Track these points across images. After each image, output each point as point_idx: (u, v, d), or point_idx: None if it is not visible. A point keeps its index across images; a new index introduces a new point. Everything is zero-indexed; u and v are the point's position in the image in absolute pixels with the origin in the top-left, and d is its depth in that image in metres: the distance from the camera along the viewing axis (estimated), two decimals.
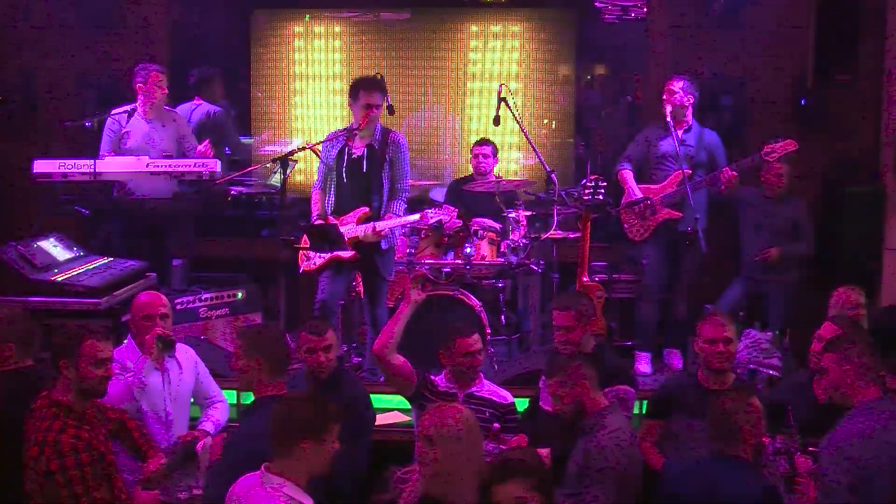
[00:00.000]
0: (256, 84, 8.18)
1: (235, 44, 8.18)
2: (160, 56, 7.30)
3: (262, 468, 3.32)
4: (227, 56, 8.09)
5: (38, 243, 5.77)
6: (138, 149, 6.38)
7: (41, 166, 6.22)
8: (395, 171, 6.00)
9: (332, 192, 6.05)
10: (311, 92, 8.11)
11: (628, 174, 6.56)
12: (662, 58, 7.31)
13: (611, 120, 8.59)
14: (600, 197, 5.93)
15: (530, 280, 6.80)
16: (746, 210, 6.65)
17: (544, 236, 6.42)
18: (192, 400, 4.74)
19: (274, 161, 6.24)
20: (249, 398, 4.05)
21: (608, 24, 7.59)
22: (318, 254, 5.95)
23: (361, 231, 5.88)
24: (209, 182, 6.27)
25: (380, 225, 5.88)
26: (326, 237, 5.85)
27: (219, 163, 6.28)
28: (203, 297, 6.47)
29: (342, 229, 5.85)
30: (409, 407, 4.83)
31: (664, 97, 6.46)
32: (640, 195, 6.44)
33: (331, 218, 6.00)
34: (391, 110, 6.25)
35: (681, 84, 6.44)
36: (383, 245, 5.96)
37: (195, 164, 6.28)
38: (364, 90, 5.88)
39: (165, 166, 6.23)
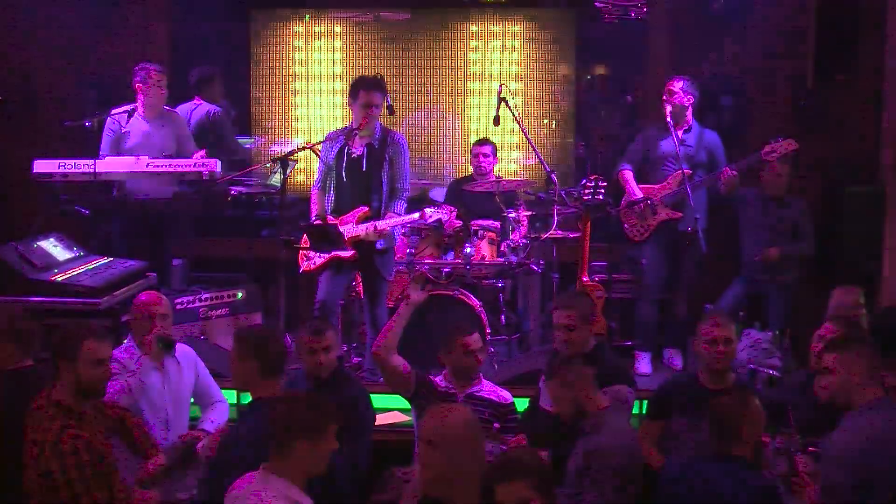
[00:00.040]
0: (256, 84, 8.17)
1: (235, 44, 8.17)
2: (160, 56, 7.31)
3: (261, 468, 3.32)
4: (226, 56, 8.08)
5: (38, 243, 5.78)
6: (138, 149, 6.39)
7: (41, 166, 6.22)
8: (395, 170, 6.00)
9: (331, 192, 6.05)
10: (311, 92, 8.11)
11: (628, 174, 6.56)
12: (662, 58, 7.31)
13: (611, 120, 8.58)
14: (600, 197, 5.94)
15: (530, 280, 6.81)
16: (746, 210, 6.65)
17: (544, 236, 6.41)
18: (192, 400, 4.75)
19: (274, 161, 6.23)
20: (248, 398, 4.05)
21: (608, 24, 7.57)
22: (317, 254, 5.96)
23: (363, 230, 5.88)
24: (209, 182, 6.28)
25: (381, 224, 5.88)
26: (326, 237, 5.85)
27: (219, 163, 6.29)
28: (203, 297, 6.46)
29: (342, 229, 5.86)
30: (409, 407, 4.82)
31: (664, 97, 6.46)
32: (640, 195, 6.44)
33: (330, 218, 6.00)
34: (391, 110, 6.25)
35: (681, 84, 6.44)
36: (379, 245, 5.95)
37: (195, 164, 6.28)
38: (364, 89, 5.88)
39: (165, 166, 6.24)
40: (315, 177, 6.23)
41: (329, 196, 6.06)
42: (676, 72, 6.76)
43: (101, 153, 6.38)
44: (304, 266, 6.06)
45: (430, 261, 6.49)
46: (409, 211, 6.06)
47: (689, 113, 6.49)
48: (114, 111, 6.51)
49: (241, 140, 7.90)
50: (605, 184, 5.98)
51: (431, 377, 4.70)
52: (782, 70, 7.18)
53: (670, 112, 6.39)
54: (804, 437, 4.00)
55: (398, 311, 4.58)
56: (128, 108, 6.50)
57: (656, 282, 6.56)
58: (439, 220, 6.05)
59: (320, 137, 6.54)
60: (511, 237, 6.38)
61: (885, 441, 3.54)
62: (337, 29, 8.08)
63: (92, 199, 6.24)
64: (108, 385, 4.02)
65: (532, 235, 6.48)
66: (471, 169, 7.15)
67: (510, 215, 6.43)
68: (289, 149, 6.92)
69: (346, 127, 6.15)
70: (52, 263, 5.67)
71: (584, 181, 6.08)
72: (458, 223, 6.41)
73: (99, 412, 3.99)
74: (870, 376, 3.70)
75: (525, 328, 6.85)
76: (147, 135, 6.47)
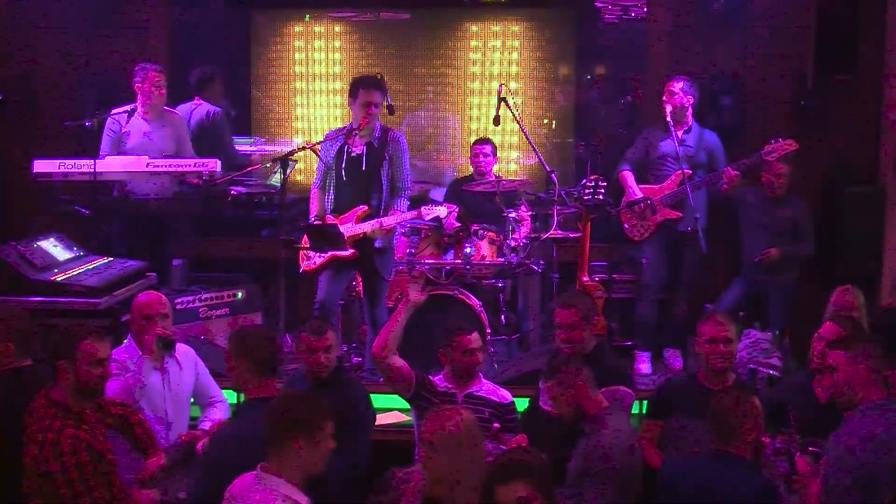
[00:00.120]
0: (256, 84, 8.17)
1: (235, 44, 8.17)
2: (160, 56, 7.30)
3: (258, 468, 3.32)
4: (227, 56, 8.08)
5: (38, 243, 5.77)
6: (138, 149, 6.39)
7: (41, 166, 6.22)
8: (395, 169, 6.00)
9: (331, 191, 6.06)
10: (311, 92, 8.10)
11: (628, 174, 6.57)
12: (662, 58, 7.30)
13: (611, 120, 8.57)
14: (600, 197, 5.93)
15: (530, 280, 6.80)
16: (746, 210, 6.65)
17: (544, 236, 6.41)
18: (192, 400, 4.75)
19: (274, 161, 6.24)
20: None
21: (608, 24, 7.58)
22: (317, 253, 5.96)
23: (369, 227, 5.88)
24: (209, 182, 6.27)
25: (387, 220, 5.88)
26: (326, 237, 5.86)
27: (219, 163, 6.29)
28: (203, 297, 6.47)
29: (341, 228, 5.86)
30: (409, 407, 4.82)
31: (664, 98, 6.46)
32: (640, 195, 6.44)
33: (329, 217, 6.00)
34: (391, 110, 6.25)
35: (680, 85, 6.44)
36: (377, 244, 5.95)
37: (195, 163, 6.29)
38: (364, 89, 5.88)
39: (165, 166, 6.24)
40: (315, 177, 6.23)
41: (329, 195, 6.06)
42: (676, 72, 6.76)
43: (101, 153, 6.38)
44: (304, 266, 6.06)
45: (430, 261, 6.48)
46: (409, 210, 6.07)
47: (689, 113, 6.50)
48: (114, 111, 6.51)
49: (241, 140, 7.91)
50: (605, 184, 5.98)
51: (431, 377, 4.70)
52: (782, 70, 7.17)
53: (670, 112, 6.39)
54: (804, 437, 4.00)
55: (396, 313, 4.58)
56: (128, 108, 6.50)
57: (656, 282, 6.56)
58: (437, 218, 6.05)
59: (320, 137, 6.55)
60: (512, 237, 6.38)
61: (888, 441, 3.53)
62: (337, 29, 8.07)
63: (92, 199, 6.24)
64: (108, 385, 4.02)
65: (532, 235, 6.48)
66: (471, 169, 7.15)
67: (510, 215, 6.43)
68: (289, 149, 6.93)
69: (345, 126, 6.15)
70: (52, 263, 5.67)
71: (584, 181, 6.07)
72: (458, 223, 6.42)
73: (100, 410, 3.99)
74: (873, 376, 3.69)
75: (525, 328, 6.84)
76: (147, 135, 6.47)
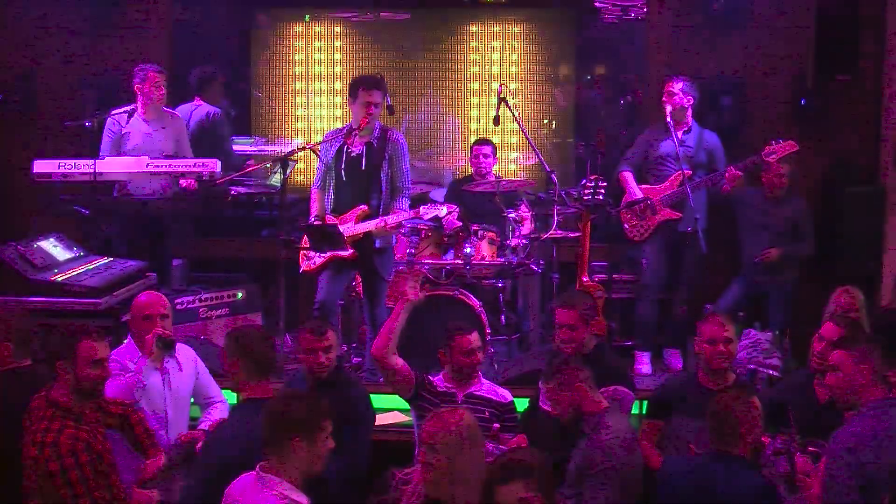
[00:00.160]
0: (257, 84, 8.18)
1: (235, 44, 8.17)
2: (160, 56, 7.29)
3: (258, 468, 3.32)
4: (227, 56, 8.08)
5: (38, 243, 5.78)
6: (138, 149, 6.39)
7: (41, 166, 6.22)
8: (395, 169, 6.00)
9: (331, 191, 6.06)
10: (311, 92, 8.11)
11: (628, 174, 6.57)
12: (662, 58, 7.31)
13: (611, 120, 8.58)
14: (600, 197, 5.93)
15: (530, 280, 6.80)
16: (746, 210, 6.65)
17: (544, 236, 6.41)
18: (192, 400, 4.75)
19: (274, 161, 6.23)
20: None
21: (608, 24, 7.58)
22: (317, 254, 5.96)
23: (373, 225, 5.88)
24: (209, 182, 6.28)
25: (390, 219, 5.88)
26: (326, 237, 5.86)
27: (219, 163, 6.29)
28: (203, 297, 6.47)
29: (341, 228, 5.86)
30: (409, 407, 4.82)
31: (664, 98, 6.47)
32: (640, 196, 6.44)
33: (329, 217, 6.00)
34: (391, 110, 6.25)
35: (680, 85, 6.44)
36: (376, 244, 5.95)
37: (195, 164, 6.29)
38: (364, 88, 5.88)
39: (165, 166, 6.24)
40: (315, 177, 6.23)
41: (328, 195, 6.06)
42: (676, 72, 6.76)
43: (101, 153, 6.38)
44: (304, 266, 6.06)
45: (430, 261, 6.49)
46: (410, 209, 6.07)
47: (689, 114, 6.50)
48: (114, 112, 6.51)
49: (241, 140, 7.91)
50: (605, 184, 5.98)
51: (431, 377, 4.70)
52: (782, 70, 7.17)
53: (670, 113, 6.40)
54: (804, 437, 4.00)
55: (395, 311, 4.57)
56: (128, 108, 6.50)
57: (656, 282, 6.56)
58: (436, 217, 6.05)
59: (320, 137, 6.55)
60: (512, 237, 6.37)
61: (889, 441, 3.53)
62: (337, 29, 8.08)
63: (92, 199, 6.24)
64: (108, 385, 4.02)
65: (532, 235, 6.48)
66: (471, 169, 7.15)
67: (510, 215, 6.43)
68: (289, 149, 6.93)
69: (345, 126, 6.15)
70: (52, 263, 5.67)
71: (584, 181, 6.07)
72: (458, 224, 6.42)
73: (100, 410, 3.99)
74: (875, 376, 3.69)
75: (525, 328, 6.84)
76: (146, 135, 6.47)
